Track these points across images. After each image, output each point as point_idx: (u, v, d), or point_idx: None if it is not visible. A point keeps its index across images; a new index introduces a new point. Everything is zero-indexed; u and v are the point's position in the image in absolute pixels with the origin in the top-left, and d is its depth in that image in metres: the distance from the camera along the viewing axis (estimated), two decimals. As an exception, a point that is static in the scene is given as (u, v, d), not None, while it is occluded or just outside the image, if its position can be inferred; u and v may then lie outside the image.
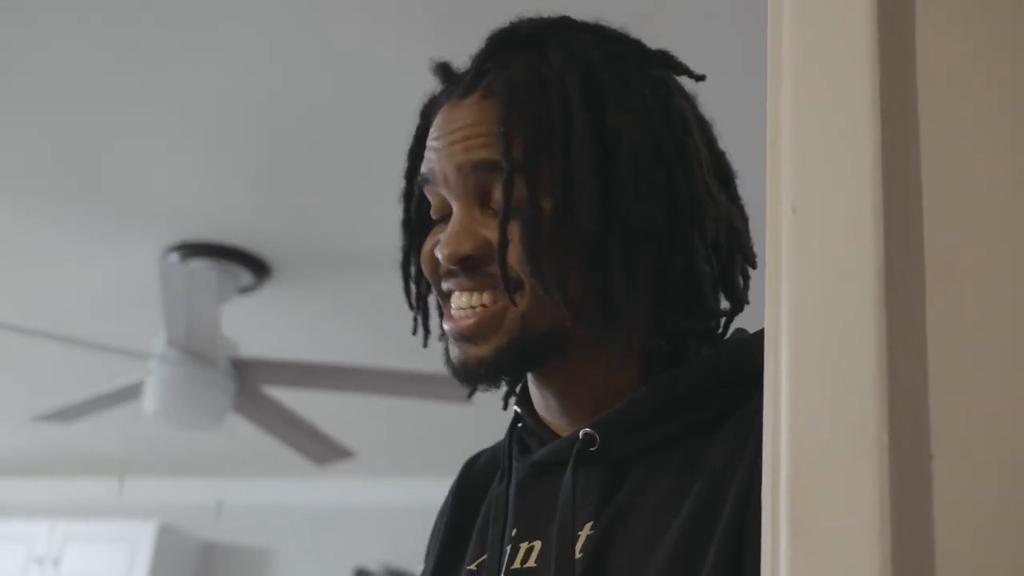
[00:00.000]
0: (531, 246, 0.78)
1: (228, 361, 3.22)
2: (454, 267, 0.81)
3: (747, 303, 0.87)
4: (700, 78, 0.88)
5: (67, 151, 2.76)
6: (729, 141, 0.89)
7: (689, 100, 0.87)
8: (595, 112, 0.80)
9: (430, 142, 0.84)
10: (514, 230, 0.79)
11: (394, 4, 2.19)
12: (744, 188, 0.89)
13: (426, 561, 0.95)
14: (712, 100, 0.90)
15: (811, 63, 0.57)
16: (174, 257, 3.16)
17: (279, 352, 3.44)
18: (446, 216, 0.83)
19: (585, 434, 0.81)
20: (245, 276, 3.24)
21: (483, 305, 0.81)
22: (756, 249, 0.88)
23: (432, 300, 0.89)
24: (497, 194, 0.79)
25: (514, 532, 0.84)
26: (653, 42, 0.87)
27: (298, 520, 5.08)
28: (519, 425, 0.90)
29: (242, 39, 2.32)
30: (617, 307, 0.79)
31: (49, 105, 2.58)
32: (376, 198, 2.87)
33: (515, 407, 0.90)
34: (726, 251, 0.85)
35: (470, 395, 0.87)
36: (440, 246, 0.82)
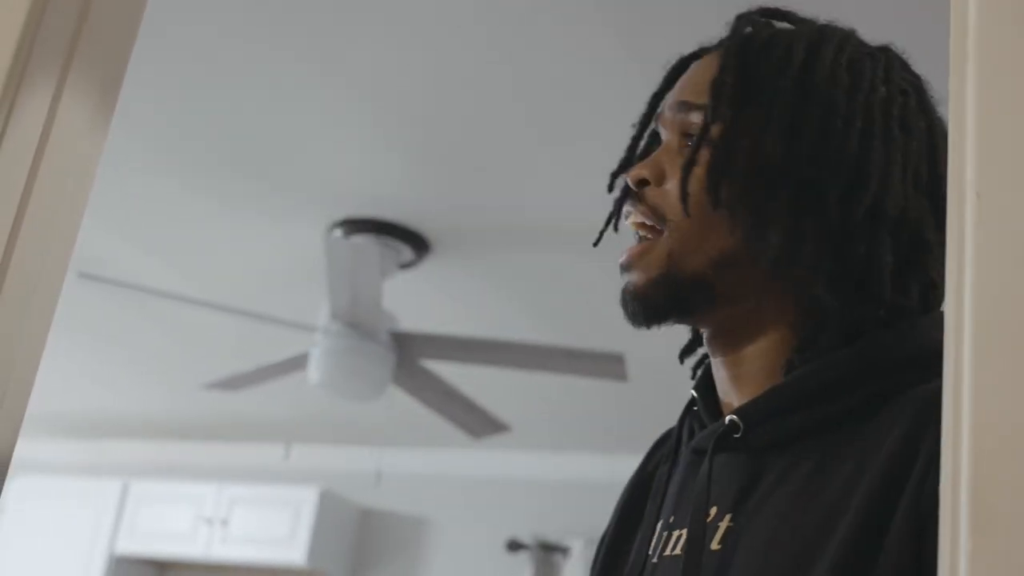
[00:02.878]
0: (712, 172, 0.82)
1: (389, 335, 3.30)
2: (634, 188, 0.86)
3: (932, 307, 0.82)
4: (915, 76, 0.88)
5: (236, 132, 2.87)
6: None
7: (926, 108, 0.86)
8: (808, 79, 0.83)
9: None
10: (701, 158, 0.83)
11: (554, -18, 2.20)
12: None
13: (605, 532, 0.96)
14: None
15: (998, 44, 0.56)
16: (338, 233, 3.26)
17: (437, 326, 3.51)
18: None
19: (730, 420, 0.80)
20: (406, 252, 3.31)
21: (639, 234, 0.86)
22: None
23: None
24: (695, 130, 0.84)
25: (671, 519, 0.84)
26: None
27: (454, 490, 5.18)
28: (694, 408, 0.89)
29: (402, 17, 2.37)
30: (771, 254, 0.80)
31: (220, 86, 2.68)
32: (534, 174, 2.89)
33: (692, 391, 0.90)
34: (906, 246, 0.80)
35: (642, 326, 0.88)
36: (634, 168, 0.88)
